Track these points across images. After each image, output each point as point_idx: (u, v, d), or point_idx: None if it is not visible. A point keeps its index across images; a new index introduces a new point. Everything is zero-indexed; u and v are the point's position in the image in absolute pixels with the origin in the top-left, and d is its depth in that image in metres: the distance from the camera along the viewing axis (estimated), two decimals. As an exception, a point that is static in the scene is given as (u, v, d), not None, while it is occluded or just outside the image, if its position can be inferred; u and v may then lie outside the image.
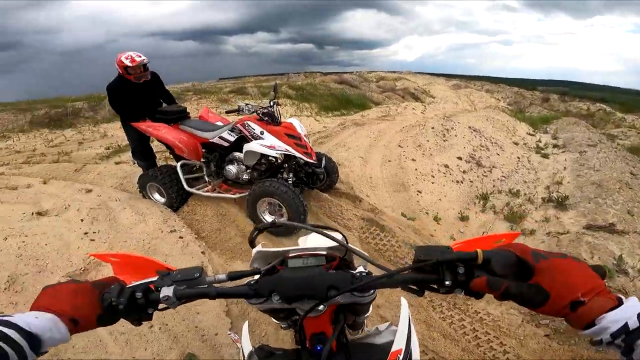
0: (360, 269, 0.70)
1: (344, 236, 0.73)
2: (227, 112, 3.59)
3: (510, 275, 0.53)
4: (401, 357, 0.67)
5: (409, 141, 5.56)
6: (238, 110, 3.23)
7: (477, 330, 2.25)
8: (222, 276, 0.68)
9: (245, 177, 3.35)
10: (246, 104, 3.25)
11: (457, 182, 4.66)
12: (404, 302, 0.83)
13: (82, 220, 3.02)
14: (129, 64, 3.42)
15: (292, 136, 3.08)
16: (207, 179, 3.51)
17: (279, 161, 3.32)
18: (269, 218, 3.10)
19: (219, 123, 3.56)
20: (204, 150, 3.42)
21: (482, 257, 0.54)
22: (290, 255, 0.73)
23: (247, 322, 0.91)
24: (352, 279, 0.63)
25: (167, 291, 0.61)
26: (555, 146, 7.13)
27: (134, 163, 4.13)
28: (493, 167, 5.30)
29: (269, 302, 0.64)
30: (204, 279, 0.67)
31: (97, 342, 1.99)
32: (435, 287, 0.58)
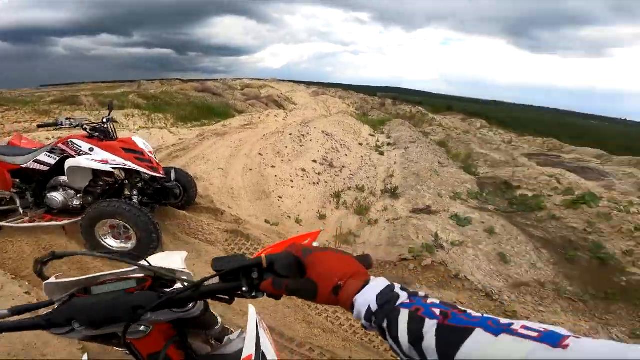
0: (178, 285, 0.71)
1: (149, 263, 0.72)
2: (39, 127, 2.99)
3: (292, 274, 0.58)
4: None
5: (268, 149, 5.78)
6: (55, 125, 2.74)
7: (351, 319, 2.45)
8: (4, 311, 0.62)
9: (77, 203, 2.84)
10: (66, 118, 2.79)
11: (314, 184, 5.12)
12: (251, 308, 0.85)
13: None
14: None
15: (131, 151, 2.78)
16: (21, 211, 2.85)
17: (120, 180, 2.95)
18: (113, 243, 2.73)
19: (36, 149, 2.95)
20: (15, 179, 2.79)
21: (266, 262, 0.59)
22: (95, 282, 0.69)
23: (86, 354, 0.85)
24: (159, 297, 0.64)
25: None
26: (389, 144, 8.67)
27: None
28: (343, 167, 6.05)
29: (75, 331, 0.61)
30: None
31: None
32: (240, 293, 0.61)
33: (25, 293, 2.29)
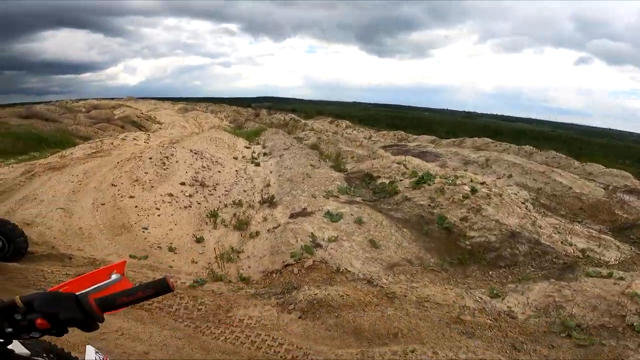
0: None
1: None
2: None
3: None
4: None
5: (123, 177, 5.07)
6: None
7: (250, 336, 2.40)
8: None
9: None
10: None
11: (185, 207, 4.74)
12: (89, 348, 0.84)
13: None
14: None
15: None
16: None
17: None
18: None
19: None
20: None
21: (21, 302, 0.59)
22: None
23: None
24: None
25: None
26: (264, 154, 8.76)
27: None
28: (217, 184, 5.79)
29: None
30: None
31: None
32: (9, 336, 0.60)
33: None
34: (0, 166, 6.21)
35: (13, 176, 5.24)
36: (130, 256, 3.57)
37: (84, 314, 0.61)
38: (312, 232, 3.87)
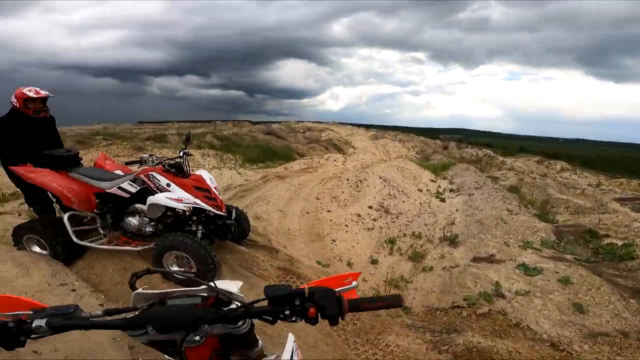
0: (233, 305, 0.83)
1: (215, 283, 0.84)
2: (126, 164, 3.40)
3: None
4: None
5: (326, 193, 5.95)
6: (140, 162, 3.12)
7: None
8: (99, 312, 0.77)
9: (149, 229, 3.17)
10: (150, 156, 3.16)
11: (368, 229, 5.09)
12: (290, 336, 0.94)
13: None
14: (32, 96, 3.31)
15: (201, 189, 3.06)
16: (101, 231, 3.23)
17: (187, 213, 3.23)
18: (177, 269, 2.98)
19: (118, 172, 3.34)
20: (98, 200, 3.16)
21: (307, 292, 0.71)
22: (170, 295, 0.83)
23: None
24: (217, 313, 0.76)
25: (39, 322, 0.70)
26: (451, 190, 8.28)
27: (31, 210, 3.79)
28: (400, 213, 5.92)
29: (147, 334, 0.74)
30: (79, 314, 0.75)
31: None
32: (282, 316, 0.73)
33: (100, 305, 2.62)
34: (249, 170, 8.63)
35: (255, 179, 7.15)
36: (317, 262, 4.12)
37: (340, 311, 0.71)
38: (496, 281, 3.46)
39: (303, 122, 36.22)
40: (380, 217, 5.58)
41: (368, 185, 6.60)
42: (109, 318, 0.77)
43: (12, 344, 0.72)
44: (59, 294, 2.66)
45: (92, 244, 3.11)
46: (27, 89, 3.34)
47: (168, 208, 3.04)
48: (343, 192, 6.01)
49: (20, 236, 3.10)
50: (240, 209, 3.74)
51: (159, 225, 3.19)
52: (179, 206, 2.93)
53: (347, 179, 6.60)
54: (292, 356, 0.87)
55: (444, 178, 10.09)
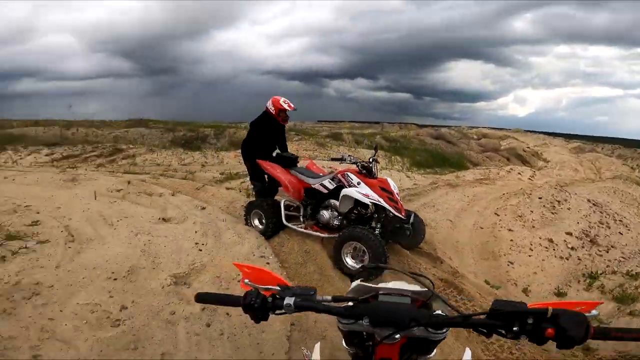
0: (439, 311, 0.84)
1: (432, 284, 0.87)
2: (331, 159, 4.11)
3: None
4: None
5: (507, 210, 5.13)
6: (341, 159, 3.65)
7: None
8: (328, 297, 0.86)
9: (336, 223, 3.61)
10: (349, 155, 3.67)
11: (561, 258, 4.16)
12: (467, 352, 0.94)
13: (195, 232, 3.62)
14: (287, 108, 3.99)
15: (385, 190, 3.33)
16: (301, 218, 3.89)
17: (370, 212, 3.53)
18: (349, 260, 3.30)
19: (320, 174, 4.00)
20: (304, 194, 3.85)
21: (550, 313, 0.67)
22: (381, 292, 0.88)
23: (319, 342, 1.06)
24: (431, 317, 0.78)
25: (289, 300, 0.81)
26: None
27: (253, 188, 4.63)
28: (611, 246, 4.52)
29: (356, 325, 0.80)
30: (315, 296, 0.84)
31: (173, 337, 2.28)
32: (503, 332, 0.71)
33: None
34: (417, 174, 8.42)
35: (424, 184, 6.91)
36: (485, 281, 3.70)
37: (584, 335, 0.65)
38: None
39: (477, 127, 32.27)
40: (582, 246, 4.41)
41: (569, 208, 5.28)
42: (334, 304, 0.84)
43: (261, 317, 0.82)
44: (257, 263, 3.24)
45: (294, 227, 3.81)
46: (282, 100, 4.00)
47: (355, 205, 3.44)
48: (532, 212, 5.02)
49: (250, 210, 4.08)
50: (419, 216, 3.81)
51: (344, 220, 3.59)
52: (365, 200, 3.28)
53: (540, 197, 5.47)
54: None
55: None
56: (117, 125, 14.08)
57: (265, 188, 4.37)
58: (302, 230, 3.75)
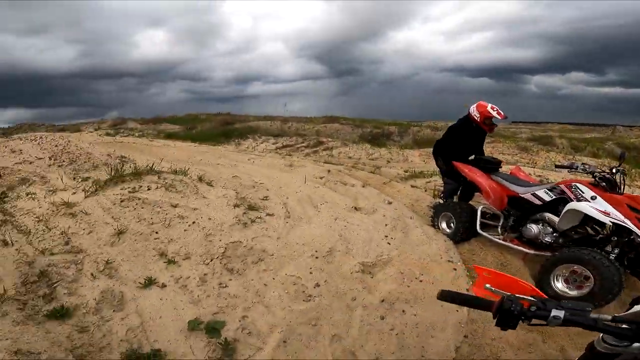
0: None
1: None
2: (556, 167, 3.44)
3: None
4: None
5: None
6: (571, 168, 3.01)
7: None
8: (607, 316, 0.79)
9: (548, 240, 3.01)
10: (582, 163, 2.96)
11: None
12: None
13: (385, 225, 3.81)
14: (495, 115, 3.59)
15: (636, 210, 2.53)
16: (499, 229, 3.46)
17: (604, 234, 2.81)
18: (560, 285, 2.73)
19: (529, 182, 3.47)
20: (507, 203, 3.40)
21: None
22: None
23: None
24: None
25: (557, 313, 0.76)
26: None
27: (444, 185, 4.34)
28: None
29: (628, 347, 0.76)
30: (589, 313, 0.78)
31: (348, 322, 2.36)
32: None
33: (467, 290, 2.80)
34: None
35: None
36: None
37: None
38: None
39: None
40: None
41: None
42: (613, 324, 0.77)
43: (511, 325, 0.78)
44: (443, 268, 3.10)
45: (490, 236, 3.41)
46: (490, 106, 3.60)
47: (583, 223, 2.79)
48: None
49: (439, 211, 3.92)
50: None
51: (560, 238, 2.96)
52: (602, 218, 2.58)
53: None
54: None
55: None
56: (317, 121, 16.56)
57: (458, 189, 4.10)
58: (501, 242, 3.31)
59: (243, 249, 3.06)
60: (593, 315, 0.79)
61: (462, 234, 3.59)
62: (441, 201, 4.19)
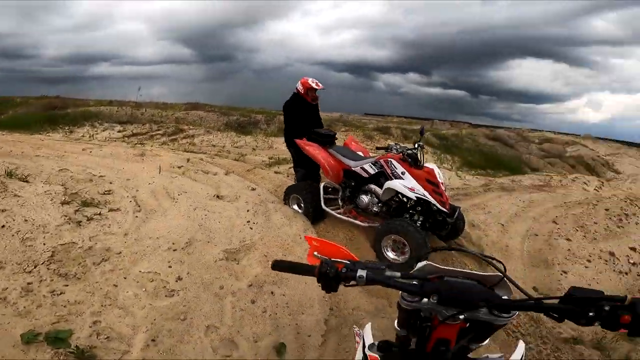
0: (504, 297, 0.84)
1: (504, 267, 0.87)
2: (377, 149, 4.02)
3: None
4: None
5: (568, 219, 4.77)
6: (387, 149, 3.59)
7: None
8: (397, 274, 0.87)
9: (375, 209, 3.58)
10: (395, 144, 3.59)
11: (620, 272, 3.83)
12: (521, 344, 0.91)
13: (247, 210, 3.86)
14: (315, 87, 4.01)
15: (431, 182, 3.22)
16: (340, 202, 3.87)
17: (412, 202, 3.43)
18: (390, 254, 3.27)
19: (360, 153, 3.93)
20: (343, 176, 3.78)
21: (629, 301, 0.66)
22: (448, 274, 0.89)
23: (370, 323, 1.08)
24: (503, 299, 0.79)
25: (361, 272, 0.82)
26: None
27: (296, 175, 4.67)
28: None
29: (421, 303, 0.81)
30: (386, 272, 0.86)
31: (219, 311, 2.38)
32: (575, 318, 0.70)
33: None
34: (468, 174, 8.06)
35: (475, 185, 6.62)
36: (534, 288, 3.52)
37: None
38: None
39: (540, 131, 29.60)
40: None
41: (637, 223, 4.78)
42: (404, 281, 0.85)
43: (332, 287, 0.83)
44: (303, 246, 3.34)
45: (332, 212, 3.79)
46: (310, 79, 4.01)
47: (397, 193, 3.33)
48: (596, 224, 4.62)
49: (288, 194, 4.14)
50: (461, 212, 3.66)
51: (384, 207, 3.54)
52: (410, 194, 3.17)
53: (606, 209, 5.00)
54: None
55: None
56: (178, 107, 15.13)
57: (307, 175, 4.40)
58: (341, 217, 3.71)
59: (79, 250, 2.66)
60: (388, 273, 0.85)
61: (312, 214, 3.86)
62: (291, 184, 4.42)
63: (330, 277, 0.82)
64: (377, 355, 0.84)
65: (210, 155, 6.96)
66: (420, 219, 3.35)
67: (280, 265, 0.92)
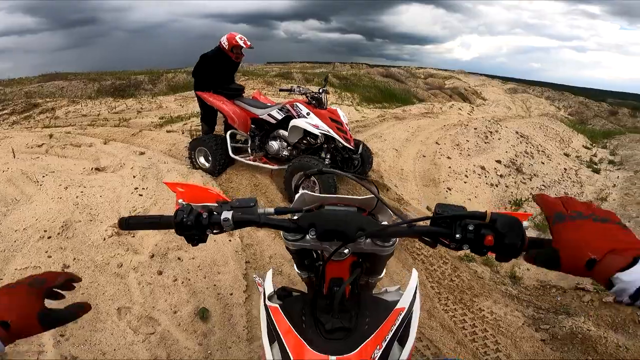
0: (385, 223, 0.81)
1: (377, 188, 0.82)
2: (280, 90, 3.87)
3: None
4: (402, 315, 0.70)
5: (447, 139, 5.47)
6: (290, 90, 3.49)
7: (477, 327, 2.28)
8: (271, 210, 0.78)
9: (285, 153, 3.57)
10: (298, 86, 3.52)
11: (491, 184, 4.56)
12: (414, 272, 0.89)
13: (134, 177, 3.39)
14: (242, 45, 3.79)
15: (335, 121, 3.30)
16: (250, 151, 3.79)
17: (319, 142, 3.49)
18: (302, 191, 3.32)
19: (268, 104, 3.85)
20: (252, 125, 3.71)
21: (489, 217, 0.61)
22: (327, 202, 0.84)
23: (271, 269, 0.99)
24: (379, 224, 0.75)
25: (226, 214, 0.70)
26: (611, 162, 6.59)
27: (202, 129, 4.47)
28: (534, 175, 5.07)
29: (304, 240, 0.74)
30: (257, 209, 0.75)
31: (125, 290, 2.21)
32: (447, 242, 0.65)
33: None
34: (366, 108, 8.51)
35: (372, 117, 7.02)
36: (427, 207, 3.97)
37: (521, 243, 0.58)
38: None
39: (425, 68, 32.88)
40: (509, 174, 4.89)
41: (499, 139, 5.77)
42: (277, 217, 0.75)
43: (198, 238, 0.71)
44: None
45: (242, 159, 3.70)
46: (238, 36, 3.79)
47: (304, 136, 3.39)
48: (468, 141, 5.41)
49: (194, 147, 3.88)
50: (366, 145, 3.82)
51: (294, 150, 3.55)
52: (314, 131, 3.22)
53: (475, 128, 5.88)
54: (415, 293, 0.78)
55: (604, 147, 8.05)
56: (28, 81, 12.15)
57: (213, 129, 4.21)
58: (251, 162, 3.69)
59: None
60: (259, 210, 0.75)
61: (220, 165, 3.75)
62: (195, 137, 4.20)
63: (190, 225, 0.69)
64: (276, 305, 0.73)
65: (82, 127, 5.82)
66: (328, 156, 3.43)
67: (129, 223, 0.74)
